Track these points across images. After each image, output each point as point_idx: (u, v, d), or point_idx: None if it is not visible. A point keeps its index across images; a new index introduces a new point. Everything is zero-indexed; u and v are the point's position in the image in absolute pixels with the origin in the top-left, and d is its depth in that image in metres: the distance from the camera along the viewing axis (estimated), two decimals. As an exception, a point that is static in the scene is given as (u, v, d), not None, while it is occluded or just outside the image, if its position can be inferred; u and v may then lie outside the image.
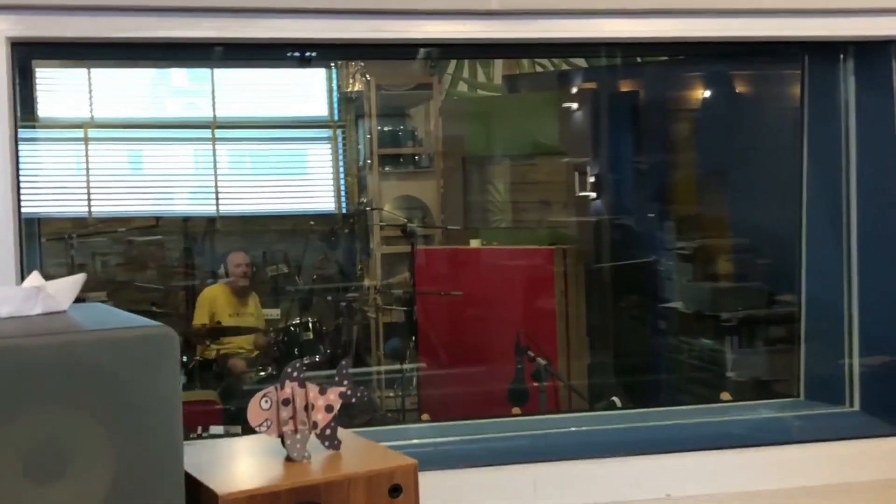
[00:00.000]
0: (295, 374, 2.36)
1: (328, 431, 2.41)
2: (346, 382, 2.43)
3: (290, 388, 2.35)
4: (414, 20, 3.54)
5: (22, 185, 3.32)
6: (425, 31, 3.56)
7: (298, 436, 2.35)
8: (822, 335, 4.23)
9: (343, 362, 2.49)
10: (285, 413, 2.33)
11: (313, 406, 2.38)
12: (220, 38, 3.49)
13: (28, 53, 3.45)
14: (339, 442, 2.42)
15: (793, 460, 3.78)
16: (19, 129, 3.33)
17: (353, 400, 2.43)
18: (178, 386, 1.98)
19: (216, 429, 5.11)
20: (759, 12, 3.72)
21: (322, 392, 2.39)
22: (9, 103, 3.24)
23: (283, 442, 2.36)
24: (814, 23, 3.78)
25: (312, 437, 2.38)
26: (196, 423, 5.01)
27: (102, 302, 7.78)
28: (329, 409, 2.40)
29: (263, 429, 2.32)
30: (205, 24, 3.44)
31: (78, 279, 2.18)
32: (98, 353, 1.86)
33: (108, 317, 2.13)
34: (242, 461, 2.44)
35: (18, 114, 3.34)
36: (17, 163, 3.28)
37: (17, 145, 3.27)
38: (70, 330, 1.96)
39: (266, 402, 2.32)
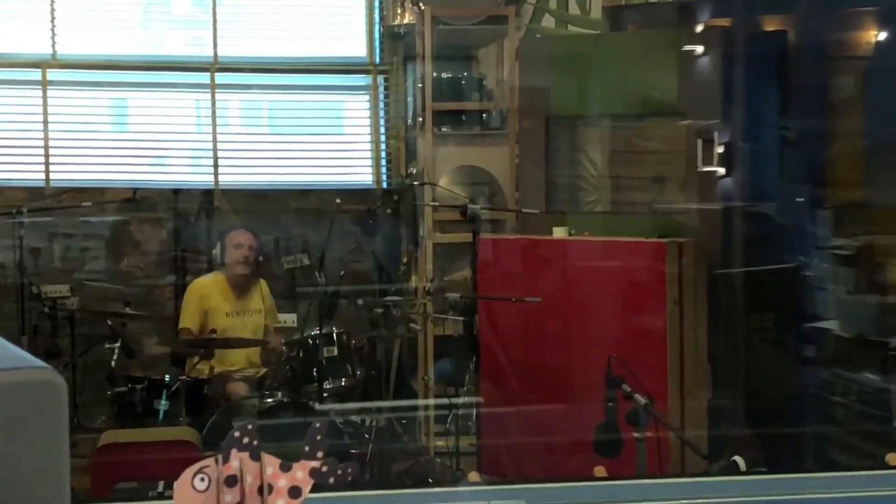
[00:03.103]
0: (245, 439, 2.14)
1: None
2: (319, 454, 2.20)
3: (237, 460, 2.13)
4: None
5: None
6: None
7: (247, 532, 2.15)
8: None
9: (317, 425, 2.25)
10: (230, 497, 2.12)
11: (271, 488, 2.16)
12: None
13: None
14: (308, 543, 2.21)
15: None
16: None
17: (331, 480, 2.21)
18: (64, 451, 1.79)
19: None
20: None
21: (285, 468, 2.18)
22: None
23: (226, 540, 2.15)
24: None
25: None
26: (161, 473, 4.85)
27: (65, 299, 7.82)
28: (295, 492, 2.18)
29: None
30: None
31: None
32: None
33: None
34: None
35: None
36: None
37: None
38: None
39: (202, 480, 2.12)
